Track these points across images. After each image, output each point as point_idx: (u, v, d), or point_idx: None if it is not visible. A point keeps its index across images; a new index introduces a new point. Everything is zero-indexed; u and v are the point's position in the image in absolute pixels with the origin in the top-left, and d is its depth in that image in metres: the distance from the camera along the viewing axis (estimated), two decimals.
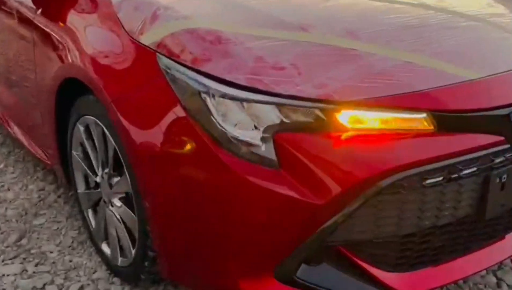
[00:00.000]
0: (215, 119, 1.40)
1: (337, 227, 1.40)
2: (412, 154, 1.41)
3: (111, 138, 1.74)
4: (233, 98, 1.40)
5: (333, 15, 1.86)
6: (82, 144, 2.00)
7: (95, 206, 2.09)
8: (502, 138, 1.50)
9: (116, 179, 1.85)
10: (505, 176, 1.54)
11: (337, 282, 1.51)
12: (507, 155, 1.52)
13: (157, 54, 1.54)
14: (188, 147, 1.47)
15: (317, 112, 1.37)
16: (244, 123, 1.40)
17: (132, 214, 1.78)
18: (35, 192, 2.63)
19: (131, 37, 1.66)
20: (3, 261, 2.08)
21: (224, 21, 1.66)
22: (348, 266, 1.50)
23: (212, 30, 1.58)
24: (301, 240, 1.42)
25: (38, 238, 2.25)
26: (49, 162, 2.43)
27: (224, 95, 1.40)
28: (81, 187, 2.10)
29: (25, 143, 2.66)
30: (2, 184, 2.71)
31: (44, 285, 1.94)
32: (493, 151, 1.50)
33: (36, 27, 2.14)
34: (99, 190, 1.98)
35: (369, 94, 1.40)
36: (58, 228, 2.32)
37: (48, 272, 2.01)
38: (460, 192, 1.52)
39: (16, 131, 2.78)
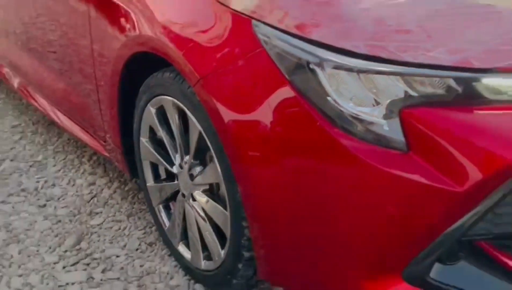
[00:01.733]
0: (329, 95, 1.38)
1: (480, 218, 1.37)
2: None
3: (195, 121, 1.73)
4: (349, 70, 1.37)
5: None
6: (153, 129, 1.99)
7: (168, 201, 2.09)
8: None
9: (198, 169, 1.84)
10: None
11: (478, 282, 1.52)
12: None
13: (253, 20, 1.52)
14: (297, 128, 1.46)
15: (452, 82, 1.35)
16: (363, 99, 1.38)
17: (222, 209, 1.75)
18: (85, 187, 2.66)
19: (219, 2, 1.63)
20: (64, 267, 2.10)
21: None
22: (491, 264, 1.49)
23: None
24: (436, 235, 1.40)
25: (98, 240, 2.26)
26: (106, 153, 2.43)
27: (339, 66, 1.37)
28: (150, 180, 2.10)
29: (74, 131, 2.68)
30: (45, 179, 2.74)
31: None
32: None
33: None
34: (175, 182, 1.97)
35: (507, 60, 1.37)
36: (120, 228, 2.34)
37: (118, 279, 2.03)
38: None
39: (62, 118, 2.81)
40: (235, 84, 1.58)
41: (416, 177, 1.36)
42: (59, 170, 2.85)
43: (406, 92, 1.36)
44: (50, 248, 2.25)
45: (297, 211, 1.55)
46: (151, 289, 2.01)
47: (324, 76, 1.39)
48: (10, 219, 2.45)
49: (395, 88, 1.37)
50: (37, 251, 2.24)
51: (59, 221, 2.42)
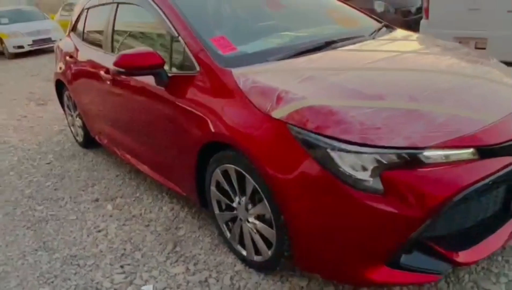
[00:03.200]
0: (338, 165, 1.44)
1: (426, 229, 1.43)
2: (470, 176, 1.45)
3: (251, 180, 1.74)
4: (349, 152, 1.44)
5: (395, 84, 1.81)
6: (219, 182, 1.99)
7: (228, 221, 2.08)
8: None
9: (250, 205, 1.84)
10: None
11: (423, 262, 1.54)
12: None
13: (288, 124, 1.56)
14: (320, 184, 1.48)
15: (405, 155, 1.42)
16: (358, 167, 1.44)
17: (269, 228, 1.77)
18: (169, 211, 2.63)
19: (262, 112, 1.65)
20: (171, 264, 2.11)
21: (327, 98, 1.64)
22: (430, 251, 1.53)
23: (324, 106, 1.58)
24: (403, 240, 1.45)
25: (186, 245, 2.26)
26: (182, 192, 2.38)
27: (342, 150, 1.44)
28: (216, 210, 2.10)
29: (160, 179, 2.59)
30: (145, 208, 2.71)
31: (206, 278, 1.97)
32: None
33: (176, 107, 2.07)
34: (234, 212, 1.97)
35: (436, 140, 1.45)
36: (196, 236, 2.32)
37: (204, 269, 2.04)
38: (496, 195, 1.60)
39: (150, 171, 2.71)
40: (279, 159, 1.59)
41: (389, 209, 1.41)
42: (151, 202, 2.81)
43: (380, 161, 1.43)
44: (159, 251, 2.24)
45: (321, 228, 1.56)
46: (225, 273, 2.00)
47: (335, 156, 1.46)
48: (130, 235, 2.44)
49: (376, 160, 1.43)
50: (152, 254, 2.23)
51: (159, 234, 2.41)
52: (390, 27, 2.74)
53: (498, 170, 1.51)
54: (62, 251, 2.34)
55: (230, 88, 1.86)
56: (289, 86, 1.74)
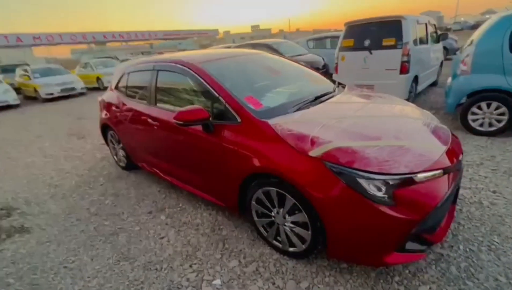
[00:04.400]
0: (364, 187, 1.40)
1: (420, 225, 1.43)
2: (444, 188, 1.49)
3: (291, 198, 1.64)
4: (370, 178, 1.41)
5: (380, 127, 1.77)
6: (259, 199, 1.85)
7: (264, 225, 1.95)
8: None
9: (287, 215, 1.72)
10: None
11: (416, 246, 1.53)
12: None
13: (323, 161, 1.49)
14: (350, 199, 1.43)
15: (406, 178, 1.41)
16: (376, 188, 1.40)
17: (304, 230, 1.68)
18: (209, 216, 2.42)
19: (301, 152, 1.56)
20: (226, 259, 1.93)
21: (345, 141, 1.58)
22: (419, 239, 1.53)
23: (347, 147, 1.53)
24: (406, 235, 1.43)
25: (231, 242, 2.08)
26: (221, 204, 2.17)
27: (366, 177, 1.41)
28: (255, 217, 1.97)
29: (200, 194, 2.33)
30: (190, 216, 2.45)
31: (257, 268, 1.83)
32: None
33: (222, 147, 1.88)
34: (272, 218, 1.85)
35: (423, 166, 1.46)
36: (236, 234, 2.15)
37: (253, 260, 1.89)
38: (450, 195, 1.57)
39: (192, 189, 2.41)
40: (318, 184, 1.50)
41: (399, 215, 1.39)
42: (193, 210, 2.57)
43: (390, 184, 1.40)
44: (213, 250, 2.05)
45: (351, 229, 1.48)
46: (268, 262, 1.87)
47: (362, 181, 1.41)
48: (187, 239, 2.21)
49: (387, 183, 1.41)
50: (209, 253, 2.02)
51: (209, 235, 2.21)
52: (340, 84, 2.71)
53: (453, 181, 1.57)
54: (140, 258, 2.07)
55: (270, 135, 1.74)
56: (314, 132, 1.67)
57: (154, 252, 2.10)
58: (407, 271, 1.70)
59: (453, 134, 1.91)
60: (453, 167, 1.60)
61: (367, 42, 4.66)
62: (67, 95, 10.66)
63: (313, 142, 1.58)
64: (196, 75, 2.16)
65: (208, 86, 2.07)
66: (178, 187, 2.77)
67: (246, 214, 2.05)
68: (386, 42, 4.43)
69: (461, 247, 1.82)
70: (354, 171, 1.44)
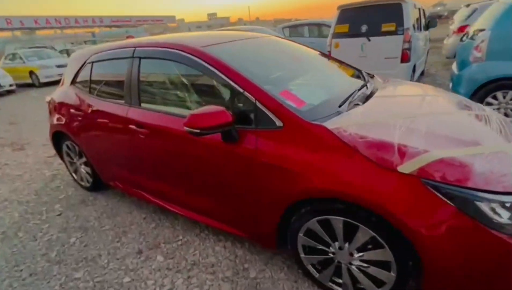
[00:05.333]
0: (486, 213, 1.05)
1: None
2: None
3: (368, 230, 1.23)
4: (495, 201, 1.06)
5: (469, 126, 1.46)
6: (311, 230, 1.41)
7: (318, 264, 1.50)
8: None
9: (355, 251, 1.33)
10: None
11: None
12: None
13: (421, 179, 1.10)
14: (467, 231, 1.06)
15: None
16: (501, 212, 1.06)
17: (383, 270, 1.29)
18: (224, 251, 1.86)
19: (385, 168, 1.15)
20: None
21: (447, 149, 1.19)
22: None
23: (451, 158, 1.15)
24: None
25: (266, 287, 1.57)
26: (243, 235, 1.69)
27: (491, 200, 1.06)
28: (301, 253, 1.52)
29: (215, 223, 1.79)
30: (198, 252, 1.87)
31: None
32: None
33: (255, 163, 1.41)
34: (329, 255, 1.43)
35: None
36: (270, 275, 1.64)
37: None
38: None
39: (196, 216, 1.88)
40: (414, 209, 1.11)
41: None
42: (199, 243, 1.98)
43: (503, 203, 1.07)
44: None
45: (463, 268, 1.11)
46: None
47: (482, 205, 1.06)
48: (204, 289, 1.62)
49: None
50: None
51: (232, 281, 1.66)
52: (368, 73, 2.33)
53: None
54: None
55: (331, 144, 1.29)
56: (396, 138, 1.26)
57: None
58: None
59: None
60: None
61: (364, 28, 4.34)
62: None
63: (402, 153, 1.18)
64: (205, 64, 1.59)
65: (226, 78, 1.52)
66: (171, 212, 2.15)
67: (283, 247, 1.58)
68: (385, 27, 4.12)
69: None
70: (471, 192, 1.07)
